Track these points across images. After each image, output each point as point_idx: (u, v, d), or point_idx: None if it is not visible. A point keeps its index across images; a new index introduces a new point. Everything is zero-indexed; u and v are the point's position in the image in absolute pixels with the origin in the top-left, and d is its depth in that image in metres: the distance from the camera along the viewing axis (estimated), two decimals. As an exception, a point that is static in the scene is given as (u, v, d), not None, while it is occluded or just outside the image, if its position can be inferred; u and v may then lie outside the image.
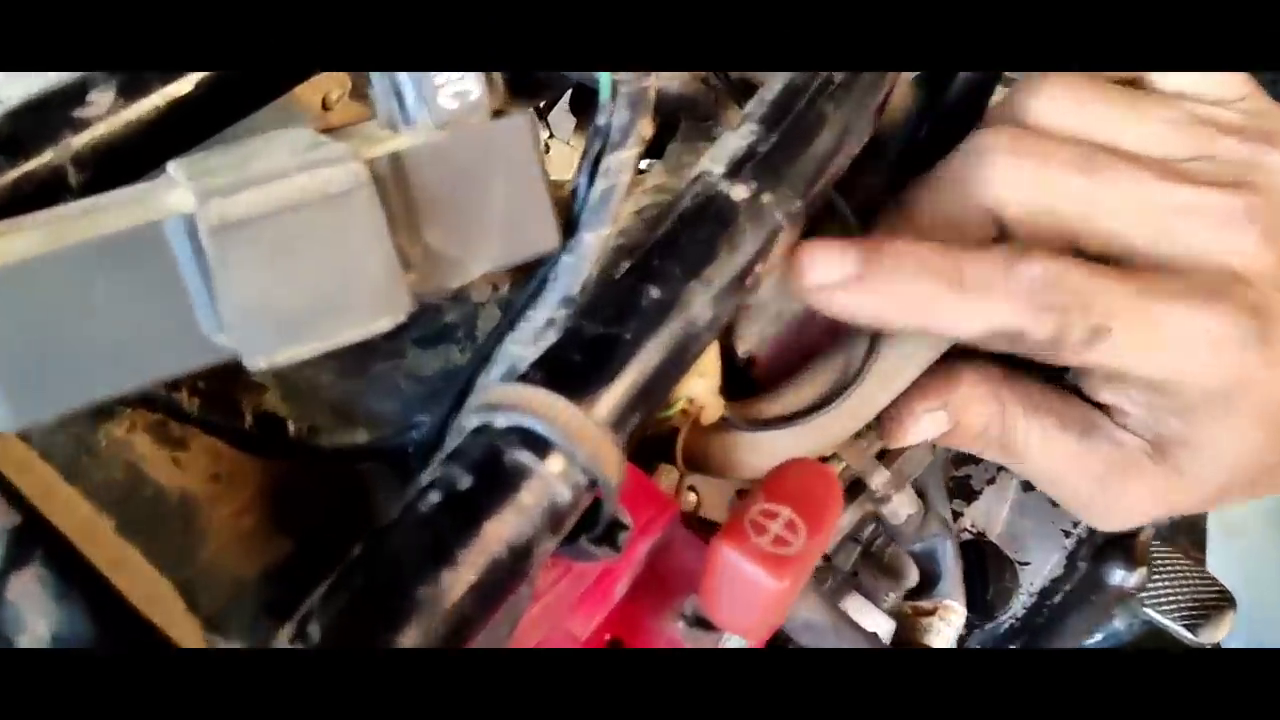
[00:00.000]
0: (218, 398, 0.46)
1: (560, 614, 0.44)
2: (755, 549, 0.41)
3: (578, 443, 0.37)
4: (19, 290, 0.34)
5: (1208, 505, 0.45)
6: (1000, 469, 0.96)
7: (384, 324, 0.38)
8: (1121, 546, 0.68)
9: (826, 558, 0.70)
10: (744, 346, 0.54)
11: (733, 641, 0.44)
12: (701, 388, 0.50)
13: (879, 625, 0.68)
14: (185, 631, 0.35)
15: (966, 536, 0.93)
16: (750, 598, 0.41)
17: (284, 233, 0.36)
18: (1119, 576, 0.68)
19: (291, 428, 0.46)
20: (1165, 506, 0.45)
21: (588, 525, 0.41)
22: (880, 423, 0.53)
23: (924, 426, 0.50)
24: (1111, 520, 0.47)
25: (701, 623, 0.44)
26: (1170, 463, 0.43)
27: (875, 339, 0.51)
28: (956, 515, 0.93)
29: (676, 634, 0.45)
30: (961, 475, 0.95)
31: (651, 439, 0.54)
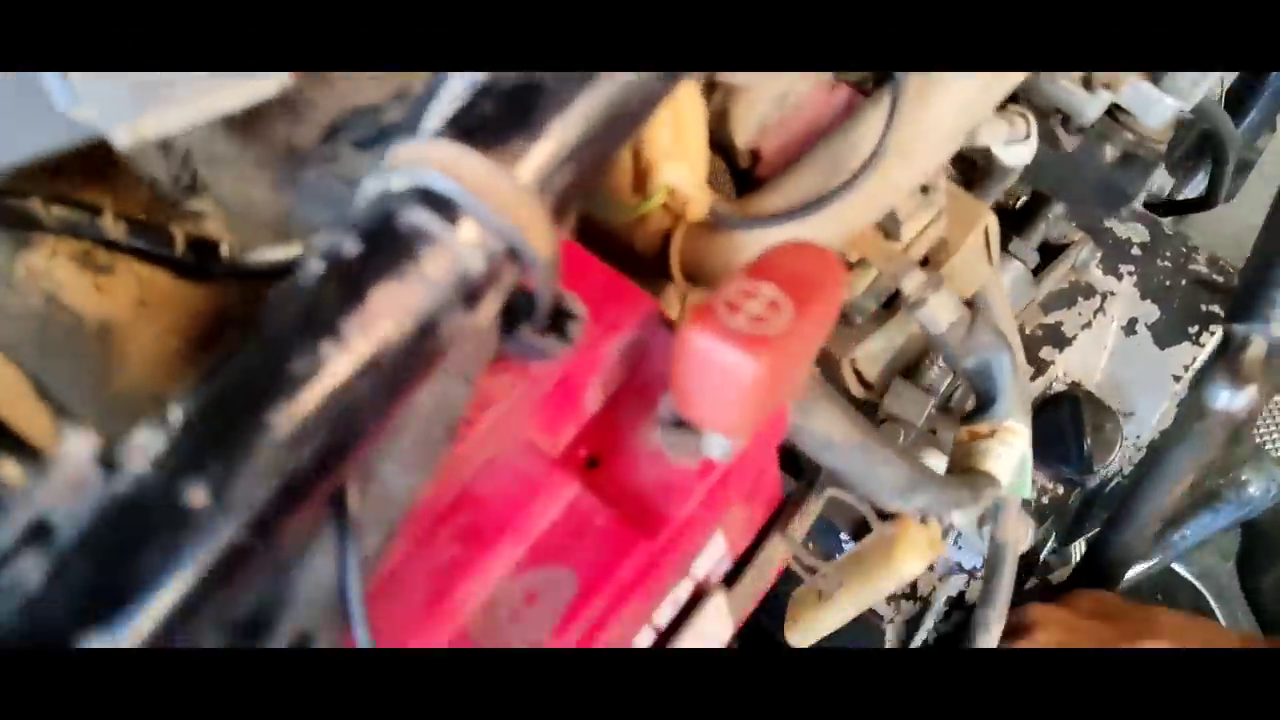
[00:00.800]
0: (148, 224, 0.42)
1: (519, 425, 0.39)
2: (725, 329, 0.35)
3: (491, 203, 0.31)
4: None
5: None
6: (1098, 312, 0.86)
7: (269, 83, 0.33)
8: (1225, 364, 0.59)
9: (892, 416, 0.64)
10: (743, 137, 0.47)
11: (715, 443, 0.38)
12: (684, 176, 0.43)
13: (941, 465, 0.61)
14: (31, 418, 0.31)
15: (1060, 388, 0.84)
16: (725, 385, 0.35)
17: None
18: (1224, 399, 0.58)
19: (225, 249, 0.42)
20: None
21: (526, 312, 0.35)
22: None
23: None
24: None
25: (680, 424, 0.38)
26: None
27: (892, 107, 0.44)
28: (1046, 364, 0.84)
29: (655, 442, 0.40)
30: (1052, 322, 0.86)
31: (648, 254, 0.49)
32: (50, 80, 0.32)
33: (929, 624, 0.81)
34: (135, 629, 0.27)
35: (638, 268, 0.48)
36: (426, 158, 0.32)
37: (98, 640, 0.26)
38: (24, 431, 0.30)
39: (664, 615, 0.45)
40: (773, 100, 0.47)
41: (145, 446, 0.28)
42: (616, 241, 0.47)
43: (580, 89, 0.34)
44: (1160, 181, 1.02)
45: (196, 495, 0.28)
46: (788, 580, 0.57)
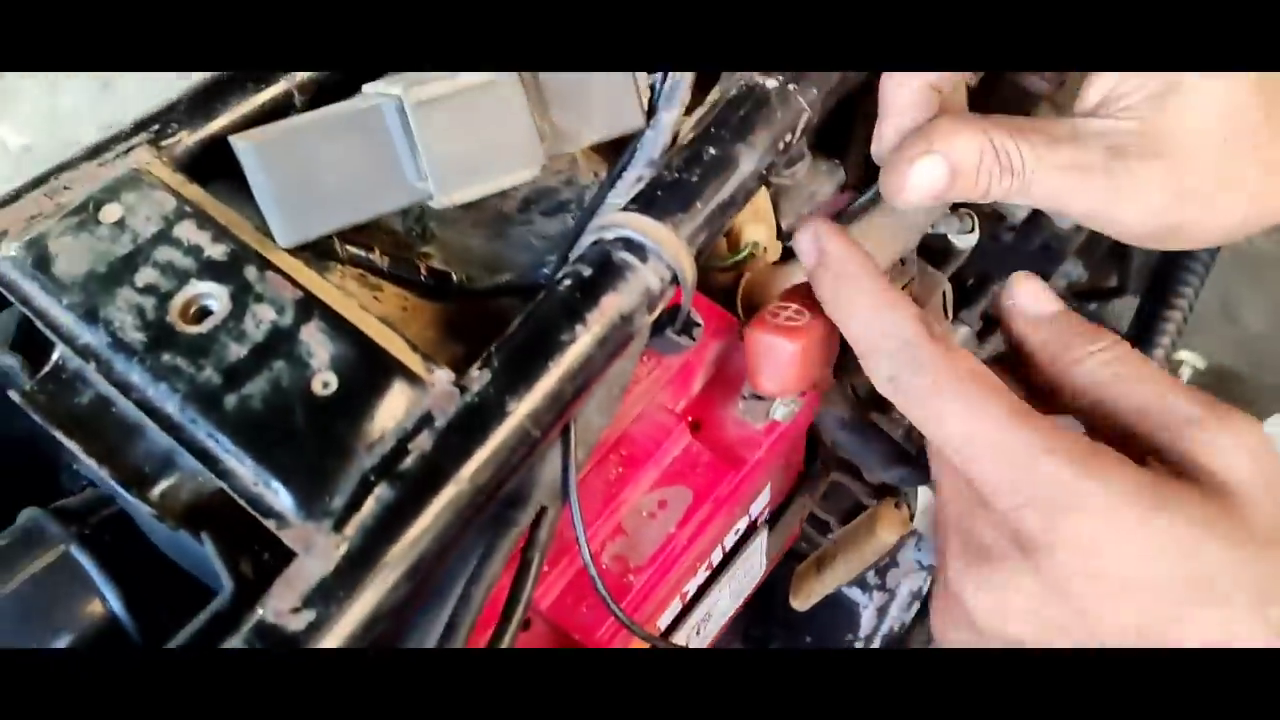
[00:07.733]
0: (401, 258, 0.63)
1: (654, 394, 0.61)
2: (772, 325, 0.56)
3: (665, 249, 0.53)
4: (285, 149, 0.52)
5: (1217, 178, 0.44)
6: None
7: (526, 175, 0.55)
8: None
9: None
10: (786, 221, 0.70)
11: (779, 407, 0.59)
12: (763, 234, 0.66)
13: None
14: (410, 358, 0.51)
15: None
16: (776, 360, 0.56)
17: (462, 108, 0.53)
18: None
19: (455, 277, 0.63)
20: (1176, 188, 0.44)
21: (671, 321, 0.57)
22: (880, 185, 0.55)
23: (922, 175, 0.51)
24: (1135, 221, 0.46)
25: (754, 396, 0.60)
26: (1165, 141, 0.44)
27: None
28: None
29: (739, 410, 0.61)
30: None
31: (725, 289, 0.70)
32: (405, 162, 0.53)
33: (894, 612, 1.01)
34: (468, 473, 0.47)
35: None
36: (629, 221, 0.54)
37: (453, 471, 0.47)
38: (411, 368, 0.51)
39: (730, 540, 0.66)
40: (806, 198, 0.70)
41: (479, 378, 0.49)
42: (706, 279, 0.69)
43: (711, 183, 0.56)
44: (1079, 272, 1.25)
45: (511, 404, 0.49)
46: (790, 560, 0.79)
